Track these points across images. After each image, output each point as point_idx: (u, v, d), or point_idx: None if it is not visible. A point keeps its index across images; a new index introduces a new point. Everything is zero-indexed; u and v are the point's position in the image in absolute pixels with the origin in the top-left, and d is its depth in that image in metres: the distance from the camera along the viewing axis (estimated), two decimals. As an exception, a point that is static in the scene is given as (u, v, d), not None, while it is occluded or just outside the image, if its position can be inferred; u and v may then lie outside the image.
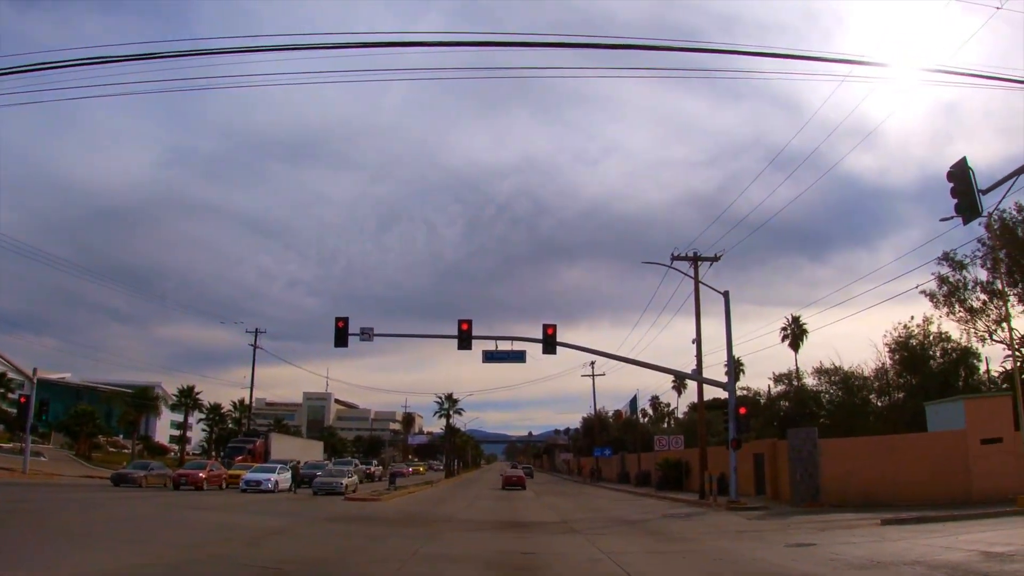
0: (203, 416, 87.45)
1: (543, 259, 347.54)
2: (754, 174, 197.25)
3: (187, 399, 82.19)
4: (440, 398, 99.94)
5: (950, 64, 42.06)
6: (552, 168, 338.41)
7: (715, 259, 39.72)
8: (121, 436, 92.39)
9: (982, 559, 14.46)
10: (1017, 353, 33.51)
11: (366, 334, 37.19)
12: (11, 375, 71.11)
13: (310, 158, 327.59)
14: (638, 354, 63.27)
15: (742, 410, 36.44)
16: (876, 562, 14.60)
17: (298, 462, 60.81)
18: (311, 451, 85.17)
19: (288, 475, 48.60)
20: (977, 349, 41.69)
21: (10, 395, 73.61)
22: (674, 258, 39.85)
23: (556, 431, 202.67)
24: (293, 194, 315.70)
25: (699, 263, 39.83)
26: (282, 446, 72.45)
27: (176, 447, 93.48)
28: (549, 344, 35.74)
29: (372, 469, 77.46)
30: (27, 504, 25.02)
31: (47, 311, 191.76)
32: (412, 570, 14.14)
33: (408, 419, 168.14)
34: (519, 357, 37.70)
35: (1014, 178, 17.93)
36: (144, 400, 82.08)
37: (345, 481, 44.77)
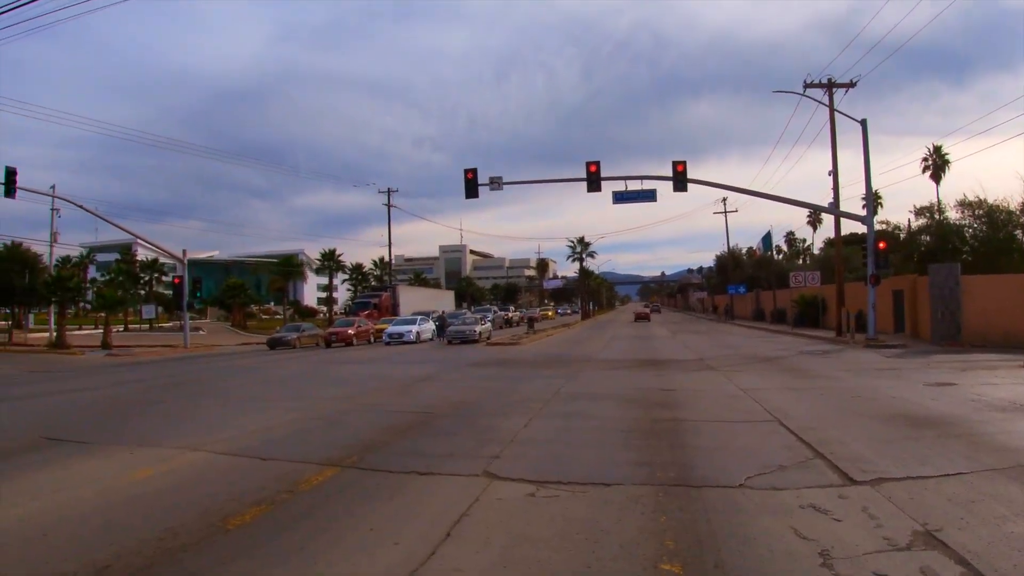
0: (346, 277, 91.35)
1: (666, 95, 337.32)
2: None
3: (330, 262, 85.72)
4: (572, 242, 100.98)
5: None
6: None
7: (851, 85, 37.55)
8: (272, 303, 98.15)
9: None
10: None
11: (495, 183, 37.60)
12: (163, 260, 76.34)
13: (420, 14, 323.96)
14: (771, 189, 61.77)
15: (881, 244, 35.35)
16: (1019, 405, 14.18)
17: (443, 312, 63.16)
18: (442, 300, 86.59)
19: (430, 326, 50.78)
20: None
21: (164, 278, 79.09)
22: (807, 85, 37.91)
23: (689, 270, 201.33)
24: (408, 53, 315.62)
25: (834, 90, 37.83)
26: (410, 298, 73.16)
27: (324, 308, 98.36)
28: (680, 181, 35.21)
29: (510, 314, 79.76)
30: (190, 375, 26.69)
31: (189, 196, 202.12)
32: (555, 409, 14.79)
33: (542, 265, 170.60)
34: (650, 196, 37.41)
35: None
36: (289, 267, 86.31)
37: (479, 328, 45.78)
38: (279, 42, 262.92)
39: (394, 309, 66.44)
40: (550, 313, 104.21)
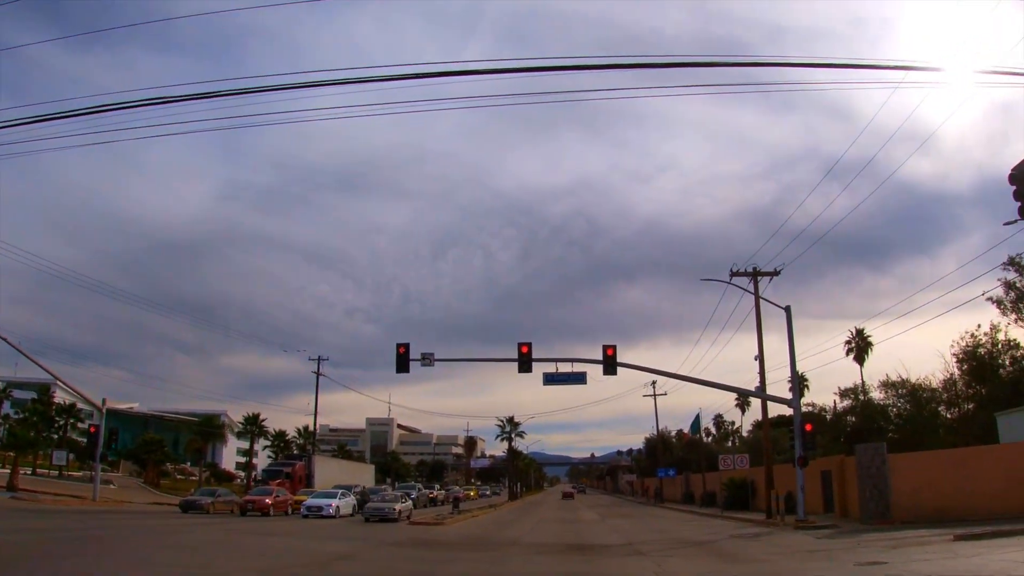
0: (268, 443, 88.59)
1: (600, 280, 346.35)
2: (810, 186, 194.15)
3: (252, 426, 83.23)
4: (502, 421, 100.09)
5: (1004, 64, 41.13)
6: (606, 188, 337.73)
7: (775, 274, 39.22)
8: (188, 463, 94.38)
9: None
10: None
11: (427, 359, 37.40)
12: (81, 406, 73.47)
13: (363, 188, 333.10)
14: (699, 372, 62.55)
15: (808, 427, 35.77)
16: None
17: (363, 487, 61.07)
18: (362, 474, 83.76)
19: (350, 500, 48.91)
20: (1049, 354, 40.43)
21: (80, 425, 75.89)
22: (733, 274, 39.50)
23: (619, 452, 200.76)
24: (348, 224, 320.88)
25: (759, 278, 39.38)
26: (327, 469, 70.84)
27: (242, 474, 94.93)
28: (610, 365, 35.55)
29: (435, 493, 77.65)
30: (97, 531, 25.50)
31: (115, 343, 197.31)
32: None
33: (470, 443, 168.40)
34: (580, 379, 37.62)
35: None
36: (210, 428, 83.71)
37: (398, 507, 43.10)
38: (224, 200, 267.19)
39: (308, 480, 64.12)
40: (472, 493, 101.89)
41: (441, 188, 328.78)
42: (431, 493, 76.04)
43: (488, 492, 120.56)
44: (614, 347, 35.69)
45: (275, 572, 16.75)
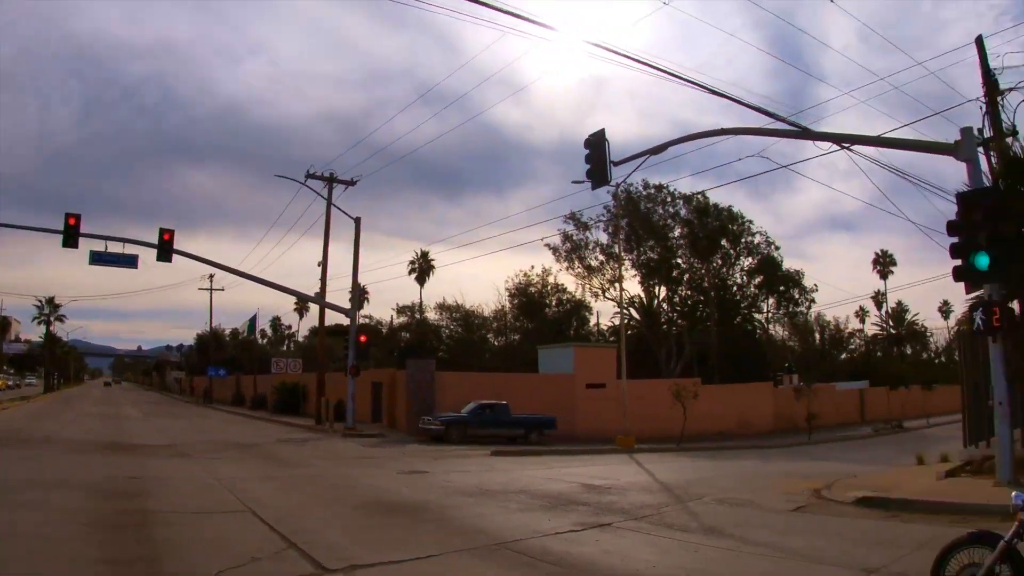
0: None
1: (167, 157, 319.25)
2: (401, 105, 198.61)
3: None
4: (40, 301, 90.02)
5: (610, 42, 44.98)
6: (191, 58, 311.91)
7: (351, 183, 38.66)
8: None
9: (582, 490, 15.66)
10: (625, 311, 37.09)
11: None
12: None
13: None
14: (262, 272, 61.13)
15: (363, 338, 36.42)
16: (484, 490, 15.16)
17: None
18: None
19: None
20: (590, 303, 45.86)
21: None
22: (309, 175, 38.20)
23: (168, 347, 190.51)
24: None
25: (334, 185, 38.63)
26: None
27: None
28: (165, 251, 32.51)
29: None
30: None
31: None
32: (4, 498, 12.05)
33: (3, 323, 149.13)
34: (130, 261, 33.95)
35: (643, 157, 19.49)
36: None
37: None
38: None
39: None
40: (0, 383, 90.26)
41: (7, 19, 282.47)
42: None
43: (19, 383, 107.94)
44: (172, 232, 32.65)
45: None
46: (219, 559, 8.31)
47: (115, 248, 33.12)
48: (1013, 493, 6.26)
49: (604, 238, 43.97)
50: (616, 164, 18.89)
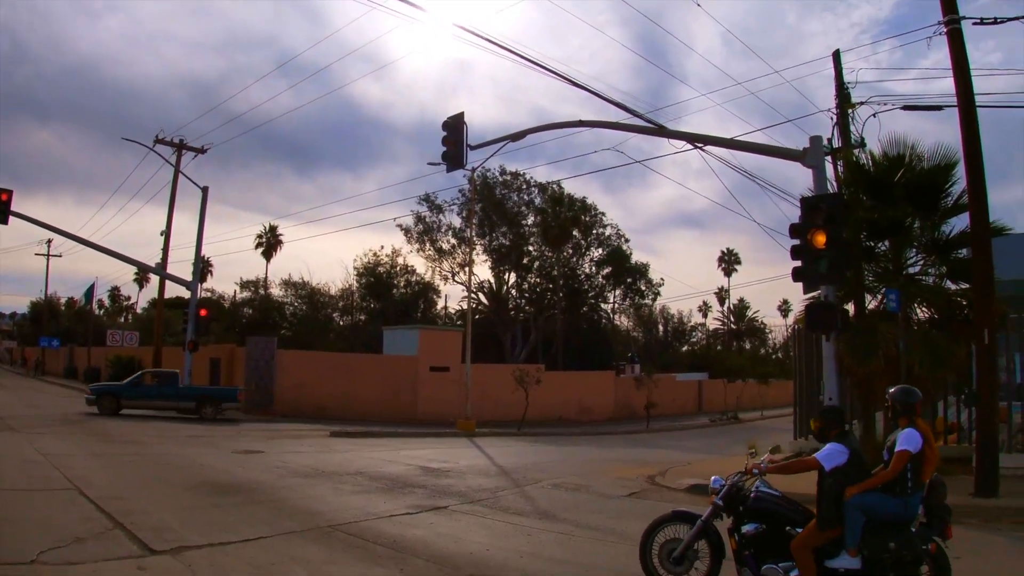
0: None
1: (10, 112, 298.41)
2: (259, 74, 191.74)
3: None
4: None
5: (477, 27, 44.87)
6: (44, 9, 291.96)
7: (201, 151, 37.06)
8: None
9: (420, 472, 15.61)
10: (473, 295, 37.16)
11: None
12: None
13: None
14: (102, 239, 57.96)
15: (203, 312, 34.90)
16: (320, 471, 14.89)
17: None
18: None
19: None
20: (439, 286, 45.67)
21: None
22: (157, 141, 36.41)
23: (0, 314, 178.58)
24: None
25: (184, 152, 36.96)
26: None
27: None
28: (1, 212, 30.44)
29: None
30: None
31: None
32: None
33: None
34: (-39, 219, 31.56)
35: (502, 143, 19.73)
36: None
37: None
38: None
39: None
40: None
41: None
42: None
43: None
44: (10, 192, 30.46)
45: None
46: (42, 539, 7.86)
47: (-56, 204, 30.40)
48: (712, 478, 7.10)
49: (457, 222, 44.00)
50: (473, 148, 18.79)
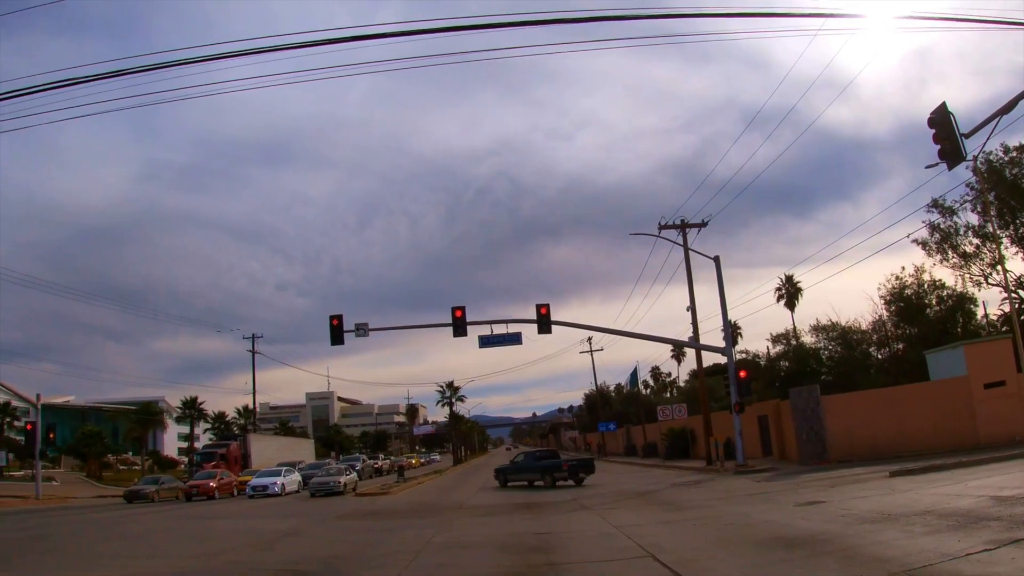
0: (208, 426, 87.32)
1: (527, 240, 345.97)
2: (731, 137, 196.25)
3: (191, 410, 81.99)
4: (441, 387, 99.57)
5: (921, 9, 41.72)
6: (527, 147, 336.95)
7: (702, 225, 39.49)
8: (130, 453, 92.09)
9: (992, 504, 14.40)
10: (1014, 295, 33.43)
11: (362, 329, 36.86)
12: (15, 403, 71.07)
13: (284, 159, 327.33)
14: (633, 326, 63.24)
15: (742, 373, 36.24)
16: (886, 515, 14.50)
17: (303, 462, 60.22)
18: (301, 449, 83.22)
19: (295, 477, 48.19)
20: (973, 294, 41.64)
21: (16, 423, 73.41)
22: (662, 227, 39.66)
23: (560, 409, 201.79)
24: (272, 197, 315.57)
25: (687, 230, 39.60)
26: (264, 447, 70.23)
27: (186, 459, 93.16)
28: (544, 323, 35.49)
29: (379, 463, 77.03)
30: (42, 529, 24.84)
31: (44, 337, 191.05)
32: (426, 560, 13.98)
33: (412, 410, 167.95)
34: (515, 339, 37.56)
35: (997, 119, 17.67)
36: (148, 415, 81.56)
37: (343, 479, 42.41)
38: (144, 181, 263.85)
39: (245, 460, 62.97)
40: (415, 460, 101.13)
41: (362, 155, 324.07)
42: (376, 463, 75.35)
43: (432, 458, 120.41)
44: (547, 306, 35.63)
45: (220, 555, 16.30)
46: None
47: (499, 330, 37.07)
48: None
49: (974, 219, 39.88)
50: (967, 136, 17.45)
